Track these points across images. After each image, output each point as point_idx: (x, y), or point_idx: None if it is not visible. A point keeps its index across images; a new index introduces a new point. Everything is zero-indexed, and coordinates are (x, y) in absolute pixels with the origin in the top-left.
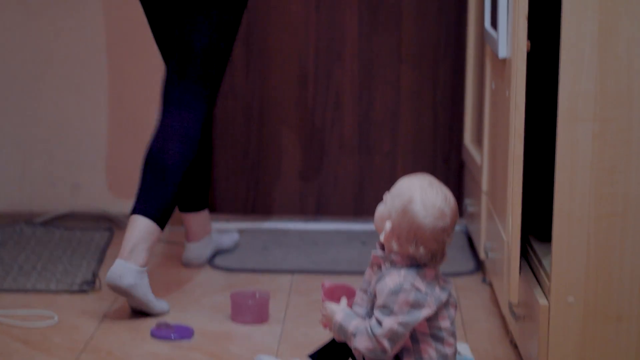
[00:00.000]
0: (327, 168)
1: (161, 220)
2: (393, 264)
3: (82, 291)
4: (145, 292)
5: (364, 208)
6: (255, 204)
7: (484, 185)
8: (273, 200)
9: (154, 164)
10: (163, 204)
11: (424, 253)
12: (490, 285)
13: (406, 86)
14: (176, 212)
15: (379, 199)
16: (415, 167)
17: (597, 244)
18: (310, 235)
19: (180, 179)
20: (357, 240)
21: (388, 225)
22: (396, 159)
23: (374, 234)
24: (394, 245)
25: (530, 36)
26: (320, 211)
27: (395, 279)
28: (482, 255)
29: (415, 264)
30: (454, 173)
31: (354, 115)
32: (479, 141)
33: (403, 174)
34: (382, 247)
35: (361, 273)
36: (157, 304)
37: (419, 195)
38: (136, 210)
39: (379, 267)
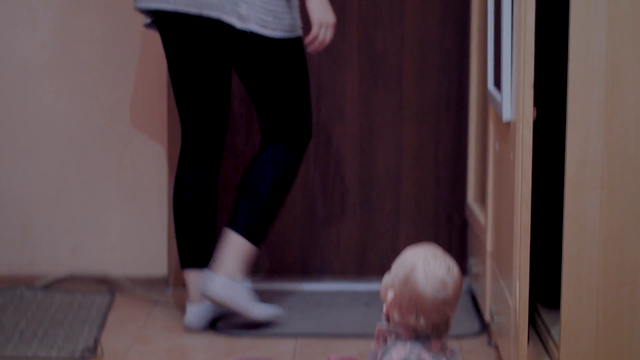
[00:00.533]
0: (329, 227)
1: (252, 237)
2: (398, 336)
3: (83, 358)
4: (237, 301)
5: (366, 268)
6: (257, 265)
7: (489, 246)
8: (275, 260)
9: (246, 183)
10: (253, 220)
11: (425, 324)
12: (496, 347)
13: (408, 144)
14: (180, 273)
15: (382, 258)
16: (418, 225)
17: (606, 313)
18: (313, 296)
19: (273, 198)
20: (361, 301)
21: (390, 294)
22: (398, 217)
23: (378, 295)
24: (396, 315)
25: (535, 97)
26: (322, 271)
27: (401, 352)
28: (487, 317)
29: (420, 336)
30: (457, 231)
31: (356, 173)
32: (482, 200)
33: (405, 233)
34: (388, 319)
35: (365, 336)
36: (257, 310)
37: (421, 265)
38: (228, 224)
39: (385, 340)
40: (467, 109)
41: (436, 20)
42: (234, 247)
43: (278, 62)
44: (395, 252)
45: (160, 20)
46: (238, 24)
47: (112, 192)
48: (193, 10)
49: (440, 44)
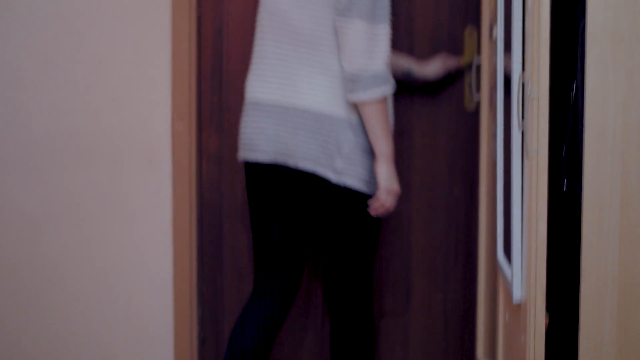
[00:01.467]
0: None
1: None
2: None
3: None
4: None
5: None
6: None
7: None
8: None
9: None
10: None
11: None
12: None
13: (416, 295)
14: None
15: None
16: None
17: None
18: None
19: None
20: None
21: None
22: None
23: None
24: None
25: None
26: None
27: None
28: None
29: None
30: None
31: None
32: (492, 356)
33: None
34: None
35: None
36: None
37: None
38: None
39: None
40: (476, 259)
41: (444, 168)
42: None
43: (363, 217)
44: None
45: (252, 169)
46: (333, 177)
47: (117, 343)
48: (290, 162)
49: (449, 192)
